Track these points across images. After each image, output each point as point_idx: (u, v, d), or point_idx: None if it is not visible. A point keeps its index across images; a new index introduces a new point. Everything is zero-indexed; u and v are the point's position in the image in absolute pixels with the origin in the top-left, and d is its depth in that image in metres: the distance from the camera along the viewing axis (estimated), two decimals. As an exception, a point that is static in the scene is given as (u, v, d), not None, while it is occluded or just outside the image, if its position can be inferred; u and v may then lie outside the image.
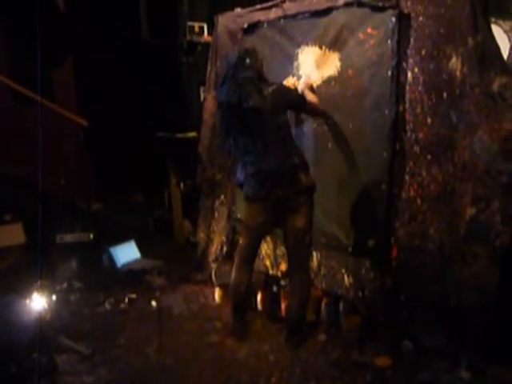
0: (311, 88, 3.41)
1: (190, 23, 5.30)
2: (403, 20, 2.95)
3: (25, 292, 3.18)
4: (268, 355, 3.21)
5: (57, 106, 5.38)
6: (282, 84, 3.27)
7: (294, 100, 3.20)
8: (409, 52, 2.97)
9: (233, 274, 3.43)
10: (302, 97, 3.26)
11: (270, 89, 3.03)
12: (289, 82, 3.42)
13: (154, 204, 6.16)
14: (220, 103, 3.23)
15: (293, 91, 3.28)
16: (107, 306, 4.04)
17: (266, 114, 3.01)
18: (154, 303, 3.95)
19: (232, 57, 3.13)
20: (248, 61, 3.04)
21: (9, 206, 4.97)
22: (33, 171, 3.90)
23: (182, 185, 5.68)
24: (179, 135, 5.35)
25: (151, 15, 5.51)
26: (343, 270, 3.44)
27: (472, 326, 2.76)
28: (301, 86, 3.38)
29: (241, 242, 3.45)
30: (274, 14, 3.74)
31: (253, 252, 3.42)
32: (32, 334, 2.90)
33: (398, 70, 3.01)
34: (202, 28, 5.31)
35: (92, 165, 5.96)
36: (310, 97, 3.31)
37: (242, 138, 3.13)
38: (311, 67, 3.46)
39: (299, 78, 3.47)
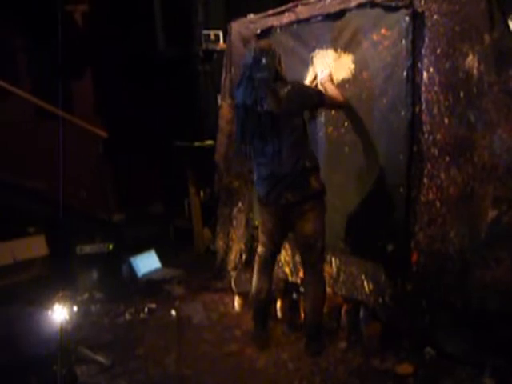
0: (331, 79, 3.34)
1: (205, 31, 5.32)
2: (417, 19, 2.89)
3: (47, 303, 3.19)
4: (287, 364, 3.17)
5: (76, 119, 5.45)
6: (298, 84, 3.17)
7: (310, 99, 3.12)
8: (424, 51, 2.90)
9: (253, 282, 3.42)
10: (319, 93, 3.20)
11: (286, 89, 2.96)
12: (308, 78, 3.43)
13: (174, 213, 6.19)
14: (236, 104, 3.18)
15: (309, 90, 3.22)
16: (127, 316, 4.04)
17: (280, 117, 2.98)
18: (173, 312, 3.93)
19: (248, 56, 3.06)
20: (264, 61, 2.97)
21: (32, 218, 5.04)
22: (54, 184, 3.96)
23: (201, 193, 5.68)
24: (197, 144, 5.36)
25: (167, 26, 5.57)
26: (363, 276, 3.39)
27: (495, 332, 2.68)
28: (322, 79, 3.32)
29: (258, 249, 3.43)
30: (286, 18, 3.71)
31: (270, 259, 3.39)
32: (52, 345, 2.92)
33: (414, 71, 2.95)
34: (217, 36, 5.32)
35: (112, 175, 6.03)
36: (330, 88, 3.26)
37: (257, 140, 3.10)
38: (326, 66, 3.41)
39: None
